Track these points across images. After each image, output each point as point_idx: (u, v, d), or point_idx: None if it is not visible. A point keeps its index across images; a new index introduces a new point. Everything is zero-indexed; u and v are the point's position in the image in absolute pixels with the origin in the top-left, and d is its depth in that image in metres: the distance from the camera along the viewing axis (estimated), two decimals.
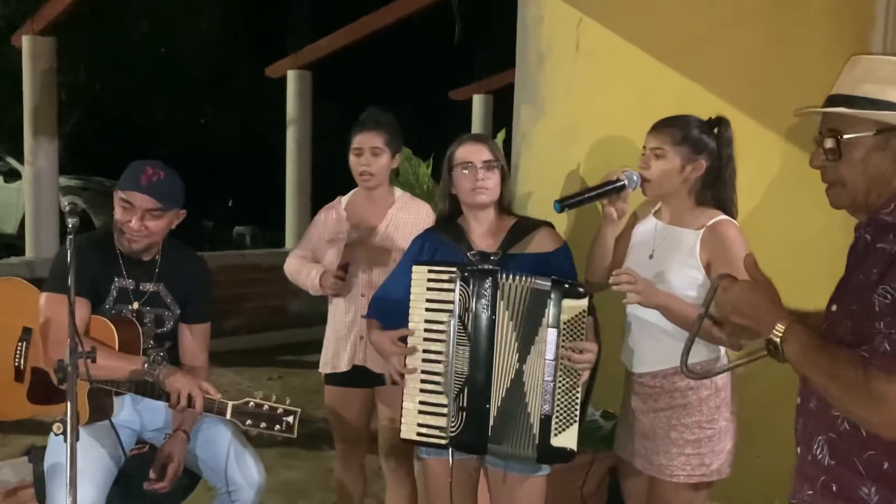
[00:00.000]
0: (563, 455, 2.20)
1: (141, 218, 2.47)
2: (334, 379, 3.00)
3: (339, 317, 2.94)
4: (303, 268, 2.96)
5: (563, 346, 2.17)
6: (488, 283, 2.19)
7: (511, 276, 2.20)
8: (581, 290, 2.17)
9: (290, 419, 2.35)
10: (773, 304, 1.59)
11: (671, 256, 2.37)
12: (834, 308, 1.60)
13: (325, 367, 3.01)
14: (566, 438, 2.19)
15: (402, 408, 2.28)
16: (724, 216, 2.35)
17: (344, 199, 3.06)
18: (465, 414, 2.20)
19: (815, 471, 1.59)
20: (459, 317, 2.20)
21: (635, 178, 2.41)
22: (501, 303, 2.19)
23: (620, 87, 3.30)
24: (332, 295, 2.91)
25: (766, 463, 2.86)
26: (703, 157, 2.35)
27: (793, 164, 2.74)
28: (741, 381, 2.50)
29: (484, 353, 2.20)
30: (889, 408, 1.38)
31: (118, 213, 2.51)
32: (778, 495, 2.97)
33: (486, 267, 2.25)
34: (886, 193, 1.53)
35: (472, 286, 2.19)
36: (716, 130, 2.41)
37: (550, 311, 2.17)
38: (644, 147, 2.44)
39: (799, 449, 1.67)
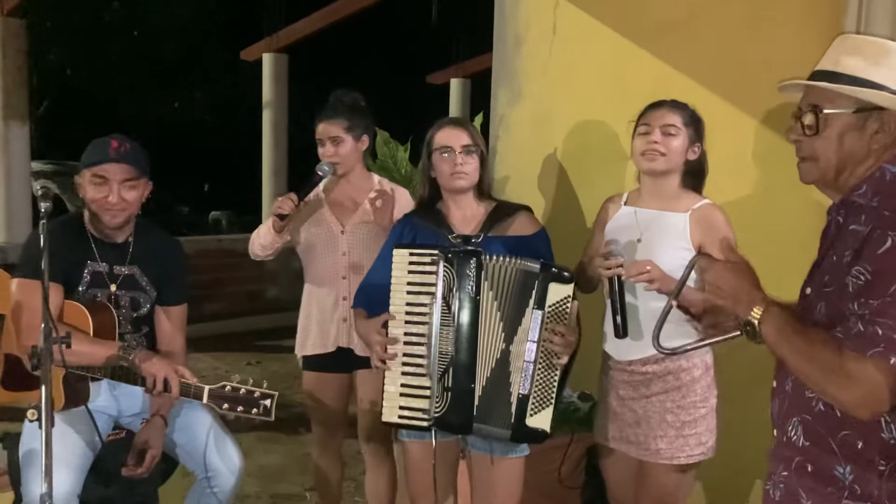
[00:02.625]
0: (536, 435, 2.23)
1: (118, 190, 2.44)
2: (312, 363, 2.99)
3: (322, 300, 2.93)
4: (258, 230, 2.95)
5: (546, 329, 2.18)
6: (473, 263, 2.19)
7: (496, 257, 2.21)
8: (567, 275, 2.19)
9: (268, 402, 2.34)
10: (752, 286, 1.60)
11: (661, 239, 2.38)
12: (808, 291, 1.61)
13: (303, 350, 2.99)
14: (541, 420, 2.21)
15: (383, 391, 2.28)
16: (708, 200, 2.42)
17: (321, 183, 3.05)
18: (450, 394, 2.20)
19: (790, 452, 1.61)
20: (443, 298, 2.19)
21: (621, 249, 2.37)
22: (486, 283, 2.20)
23: (597, 70, 3.30)
24: (278, 216, 2.76)
25: (746, 443, 2.91)
26: (700, 143, 2.45)
27: (767, 147, 2.77)
28: (719, 361, 2.53)
29: (469, 333, 2.20)
30: (861, 387, 1.40)
31: (91, 193, 2.46)
32: (757, 475, 3.02)
33: (469, 248, 2.25)
34: (857, 174, 1.55)
35: (456, 267, 2.19)
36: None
37: (537, 293, 2.18)
38: (645, 123, 2.41)
39: (775, 431, 1.69)
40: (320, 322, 2.93)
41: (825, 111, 1.56)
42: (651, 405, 2.39)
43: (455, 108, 10.64)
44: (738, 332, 1.64)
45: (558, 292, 2.18)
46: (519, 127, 3.60)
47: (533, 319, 2.18)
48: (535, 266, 2.19)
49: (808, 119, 1.58)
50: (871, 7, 2.59)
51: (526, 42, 3.56)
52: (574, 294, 2.21)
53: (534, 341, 2.19)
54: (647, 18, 3.13)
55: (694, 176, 2.46)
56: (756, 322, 1.55)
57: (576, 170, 3.36)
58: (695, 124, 2.43)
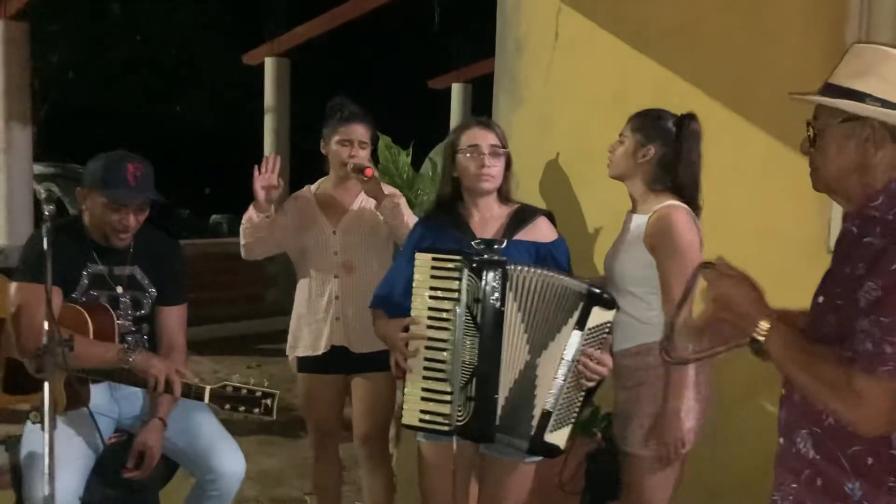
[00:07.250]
0: (551, 451, 2.24)
1: (133, 217, 2.50)
2: (308, 365, 2.98)
3: (314, 299, 2.95)
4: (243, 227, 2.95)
5: (582, 351, 2.17)
6: (498, 274, 2.15)
7: (522, 268, 2.18)
8: (609, 299, 2.18)
9: (269, 402, 2.36)
10: (759, 302, 1.59)
11: (623, 239, 2.46)
12: (820, 300, 1.61)
13: (295, 351, 3.00)
14: (559, 436, 2.21)
15: (404, 393, 2.26)
16: (674, 202, 2.38)
17: (313, 187, 3.07)
18: (473, 404, 2.17)
19: (799, 464, 1.60)
20: (467, 307, 2.16)
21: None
22: (510, 293, 2.16)
23: (598, 76, 3.31)
24: (264, 196, 2.81)
25: (746, 446, 2.91)
26: (654, 146, 2.41)
27: (768, 152, 2.77)
28: (719, 363, 2.52)
29: (493, 344, 2.17)
30: (868, 406, 1.39)
31: (105, 215, 2.48)
32: (757, 478, 3.02)
33: (494, 258, 2.22)
34: (863, 182, 1.55)
35: (480, 277, 2.15)
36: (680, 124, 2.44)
37: (579, 313, 2.16)
38: None
39: (781, 439, 1.68)
40: (312, 323, 2.94)
41: (813, 123, 1.59)
42: (628, 395, 2.45)
43: (456, 113, 10.64)
44: (743, 342, 1.62)
45: (600, 317, 2.17)
46: (520, 132, 3.61)
47: (571, 339, 2.17)
48: (583, 287, 2.17)
49: (809, 132, 1.61)
50: (872, 14, 2.59)
51: (527, 48, 3.57)
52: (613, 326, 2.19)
53: (568, 360, 2.17)
54: (649, 25, 3.14)
55: (665, 174, 2.41)
56: (763, 339, 1.54)
57: (577, 175, 3.37)
58: (647, 128, 2.42)
